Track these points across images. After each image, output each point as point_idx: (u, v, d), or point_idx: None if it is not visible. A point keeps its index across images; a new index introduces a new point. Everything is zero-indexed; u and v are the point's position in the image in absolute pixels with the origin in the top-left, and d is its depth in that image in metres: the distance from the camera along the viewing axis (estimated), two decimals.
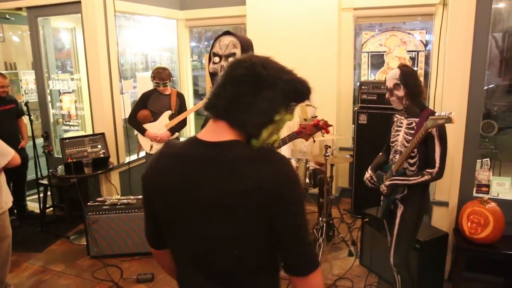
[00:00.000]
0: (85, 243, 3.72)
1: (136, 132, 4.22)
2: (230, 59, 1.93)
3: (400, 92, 2.37)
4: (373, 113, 4.15)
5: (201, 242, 1.14)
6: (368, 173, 2.65)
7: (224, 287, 1.17)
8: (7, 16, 5.21)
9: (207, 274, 1.18)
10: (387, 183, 2.44)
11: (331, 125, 2.36)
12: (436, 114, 2.15)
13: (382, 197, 2.61)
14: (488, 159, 3.15)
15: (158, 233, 1.26)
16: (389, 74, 2.45)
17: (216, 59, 1.97)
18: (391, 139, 2.54)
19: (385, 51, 4.70)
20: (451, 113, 2.10)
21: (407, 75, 2.37)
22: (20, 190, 4.57)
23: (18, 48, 5.90)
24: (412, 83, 2.37)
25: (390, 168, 2.50)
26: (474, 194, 3.00)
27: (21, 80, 5.54)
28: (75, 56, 5.06)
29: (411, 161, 2.39)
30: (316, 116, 2.95)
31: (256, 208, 1.05)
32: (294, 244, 1.10)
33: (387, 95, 2.48)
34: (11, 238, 2.81)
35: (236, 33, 2.19)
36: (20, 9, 4.67)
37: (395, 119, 2.57)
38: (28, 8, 4.49)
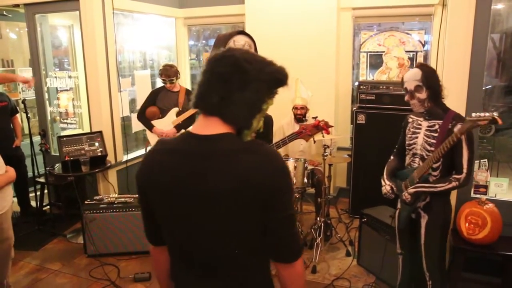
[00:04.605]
0: (82, 242, 3.70)
1: (143, 128, 4.31)
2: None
3: (422, 95, 2.19)
4: (371, 113, 4.15)
5: (198, 235, 1.16)
6: (388, 185, 2.43)
7: (216, 283, 1.19)
8: (5, 13, 5.16)
9: (202, 271, 1.20)
10: (411, 190, 2.26)
11: (331, 126, 2.34)
12: (474, 115, 1.94)
13: (398, 204, 2.47)
14: (486, 160, 3.14)
15: (157, 229, 1.27)
16: (409, 75, 2.23)
17: None
18: (408, 142, 2.38)
19: (383, 51, 4.70)
20: (494, 112, 1.87)
21: (430, 76, 2.18)
22: (22, 188, 4.52)
23: (15, 45, 5.86)
24: (435, 84, 2.18)
25: (410, 174, 2.33)
26: (472, 195, 3.00)
27: None
28: (72, 54, 5.05)
29: (434, 165, 2.23)
30: (317, 117, 2.94)
31: (252, 197, 1.08)
32: (284, 232, 1.15)
33: (406, 98, 2.26)
34: (11, 241, 2.72)
35: (248, 33, 2.18)
36: (17, 6, 4.64)
37: (410, 119, 2.40)
38: (26, 5, 4.46)
